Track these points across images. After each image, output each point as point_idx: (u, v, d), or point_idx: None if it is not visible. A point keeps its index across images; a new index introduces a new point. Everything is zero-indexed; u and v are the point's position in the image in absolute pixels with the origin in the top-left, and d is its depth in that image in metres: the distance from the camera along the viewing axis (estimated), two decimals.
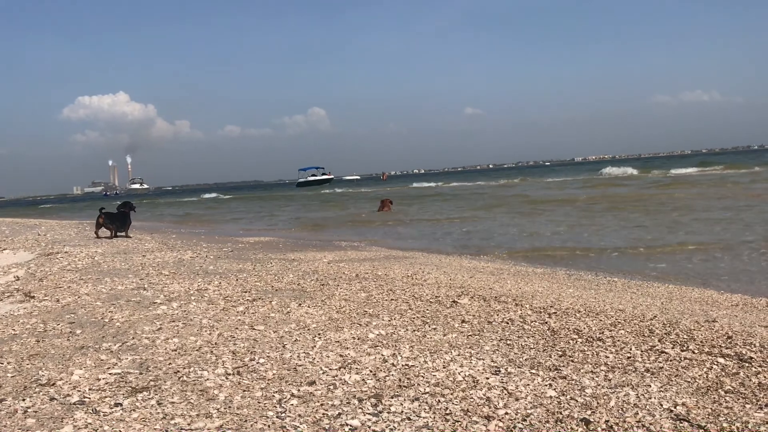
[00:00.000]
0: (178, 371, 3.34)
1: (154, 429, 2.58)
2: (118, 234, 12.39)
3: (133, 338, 4.06)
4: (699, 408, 2.87)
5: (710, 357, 3.73)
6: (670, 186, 31.51)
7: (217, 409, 2.78)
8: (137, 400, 2.92)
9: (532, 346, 3.92)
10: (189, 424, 2.62)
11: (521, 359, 3.62)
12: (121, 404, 2.86)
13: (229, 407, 2.81)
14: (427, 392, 3.01)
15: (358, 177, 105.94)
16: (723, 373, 3.44)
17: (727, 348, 3.91)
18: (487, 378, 3.24)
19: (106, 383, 3.16)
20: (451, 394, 3.00)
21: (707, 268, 8.85)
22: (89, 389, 3.07)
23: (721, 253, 9.87)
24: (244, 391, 3.02)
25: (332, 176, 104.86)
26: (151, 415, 2.72)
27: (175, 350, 3.75)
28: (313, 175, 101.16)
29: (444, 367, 3.41)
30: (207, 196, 70.37)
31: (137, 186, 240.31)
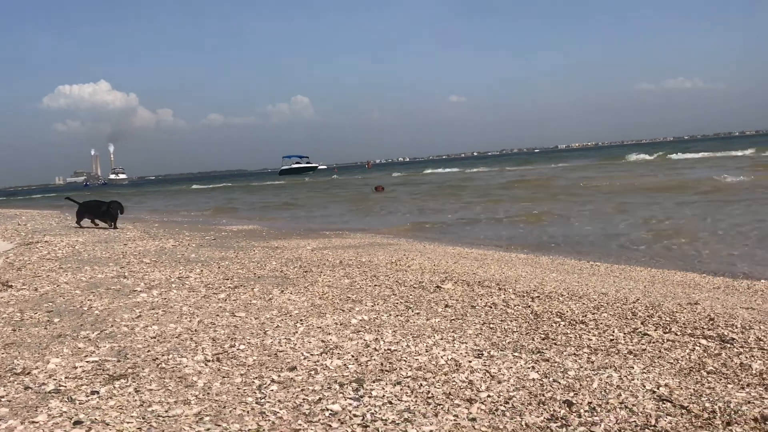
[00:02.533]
0: (157, 358, 3.28)
1: (131, 416, 2.52)
2: (96, 222, 12.24)
3: (112, 326, 3.99)
4: (682, 389, 2.87)
5: (693, 338, 3.73)
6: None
7: (196, 396, 2.73)
8: (114, 387, 2.86)
9: (515, 330, 3.90)
10: (166, 411, 2.57)
11: (504, 342, 3.60)
12: (97, 392, 2.80)
13: (208, 394, 2.76)
14: (409, 376, 2.98)
15: (325, 166, 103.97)
16: (705, 354, 3.44)
17: (709, 330, 3.91)
18: (470, 361, 3.21)
19: (83, 371, 3.10)
20: (434, 377, 2.97)
21: (689, 251, 8.89)
22: (65, 377, 3.01)
23: (703, 236, 9.93)
24: (224, 377, 2.98)
25: (317, 165, 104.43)
26: (128, 403, 2.67)
27: (155, 337, 3.69)
28: (297, 163, 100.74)
29: (426, 351, 3.38)
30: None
31: (113, 177, 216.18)
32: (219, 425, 2.44)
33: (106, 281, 5.68)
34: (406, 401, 2.67)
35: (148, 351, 3.43)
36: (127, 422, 2.46)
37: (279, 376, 2.98)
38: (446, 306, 4.59)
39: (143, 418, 2.50)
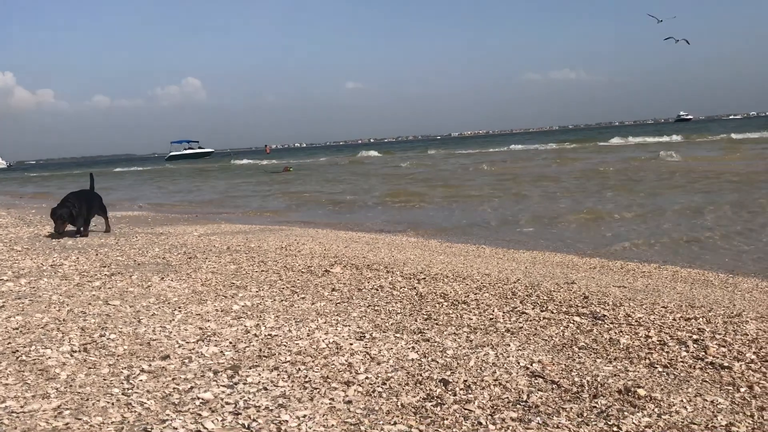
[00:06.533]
0: (17, 350, 3.05)
1: None
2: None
3: None
4: (554, 364, 2.96)
5: (567, 316, 3.87)
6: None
7: (57, 389, 2.56)
8: None
9: (399, 311, 3.92)
10: (22, 407, 2.39)
11: (387, 324, 3.60)
12: None
13: (71, 386, 2.60)
14: (288, 361, 2.92)
15: (212, 150, 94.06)
16: (578, 331, 3.57)
17: (583, 307, 4.07)
18: (351, 344, 3.19)
19: None
20: (313, 361, 2.92)
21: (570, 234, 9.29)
22: None
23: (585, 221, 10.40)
24: (90, 368, 2.81)
25: (212, 150, 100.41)
26: None
27: (17, 329, 3.44)
28: (189, 148, 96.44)
29: (308, 336, 3.33)
30: None
31: None
32: (79, 419, 2.29)
33: None
34: (282, 386, 2.61)
35: (9, 343, 3.19)
36: None
37: (150, 365, 2.84)
38: (333, 290, 4.56)
39: None
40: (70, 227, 7.71)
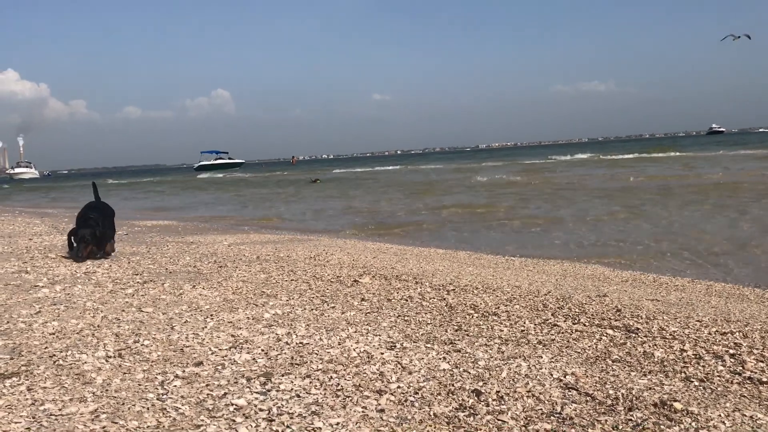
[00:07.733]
0: (54, 355, 3.10)
1: (20, 416, 2.37)
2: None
3: (8, 323, 3.76)
4: (587, 377, 2.92)
5: (600, 329, 3.83)
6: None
7: (93, 393, 2.59)
8: (5, 386, 2.68)
9: (429, 322, 3.91)
10: (60, 409, 2.43)
11: (417, 334, 3.60)
12: None
13: (107, 390, 2.63)
14: (320, 369, 2.93)
15: (243, 161, 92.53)
16: (611, 344, 3.53)
17: (616, 320, 4.03)
18: (382, 353, 3.19)
19: None
20: (344, 370, 2.93)
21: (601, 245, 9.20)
22: None
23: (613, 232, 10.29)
24: (125, 373, 2.84)
25: (243, 161, 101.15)
26: (19, 402, 2.51)
27: (54, 334, 3.50)
28: (220, 159, 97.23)
29: (339, 344, 3.34)
30: None
31: (10, 171, 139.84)
32: (116, 422, 2.32)
33: (6, 277, 5.37)
34: (314, 394, 2.62)
35: (46, 348, 3.24)
36: (15, 422, 2.31)
37: (184, 371, 2.86)
38: (362, 300, 4.56)
39: (33, 418, 2.35)
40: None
